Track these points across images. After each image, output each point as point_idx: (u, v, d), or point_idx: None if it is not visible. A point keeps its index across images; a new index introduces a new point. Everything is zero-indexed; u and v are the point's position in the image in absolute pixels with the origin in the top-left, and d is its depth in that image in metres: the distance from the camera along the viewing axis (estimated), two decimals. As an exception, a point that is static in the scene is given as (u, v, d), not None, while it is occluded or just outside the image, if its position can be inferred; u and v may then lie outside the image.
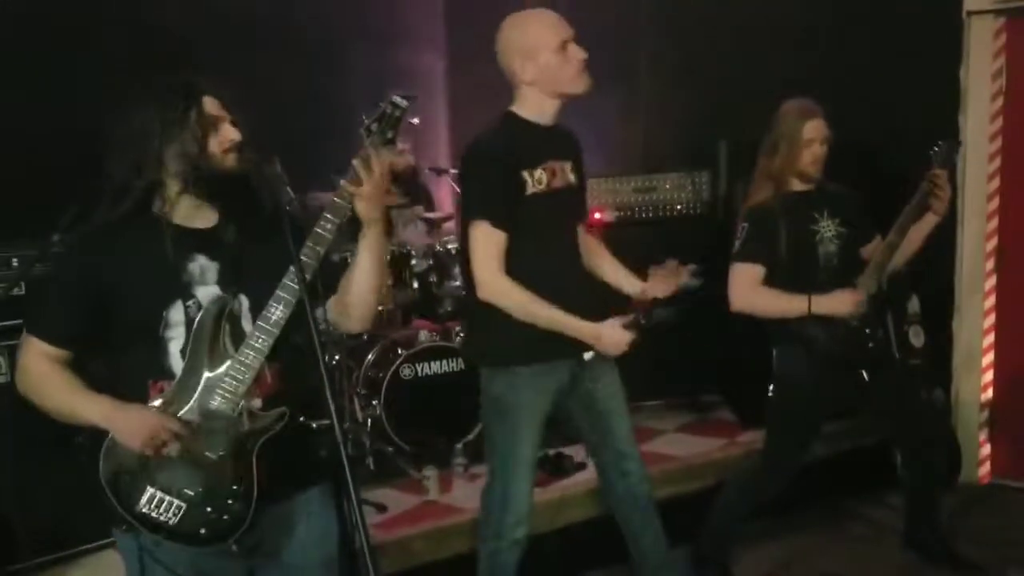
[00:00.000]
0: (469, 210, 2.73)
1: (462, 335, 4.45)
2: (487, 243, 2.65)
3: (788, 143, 3.17)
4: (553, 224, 2.79)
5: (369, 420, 3.97)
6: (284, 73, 4.91)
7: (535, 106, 2.74)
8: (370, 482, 3.79)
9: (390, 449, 3.93)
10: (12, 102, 4.32)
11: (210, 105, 1.90)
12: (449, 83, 6.27)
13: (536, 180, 2.71)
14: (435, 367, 4.05)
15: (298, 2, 5.59)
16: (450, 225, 5.13)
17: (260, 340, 1.87)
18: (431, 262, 4.35)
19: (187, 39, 4.74)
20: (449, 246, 4.37)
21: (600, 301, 2.88)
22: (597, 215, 4.40)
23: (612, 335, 2.71)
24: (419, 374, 4.01)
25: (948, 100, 4.26)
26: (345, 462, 1.71)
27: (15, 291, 2.95)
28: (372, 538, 1.77)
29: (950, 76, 4.27)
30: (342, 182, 1.93)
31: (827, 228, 3.20)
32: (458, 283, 4.28)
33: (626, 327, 2.71)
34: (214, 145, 1.89)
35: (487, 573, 2.91)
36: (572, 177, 2.84)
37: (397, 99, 1.95)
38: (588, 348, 2.76)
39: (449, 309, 4.33)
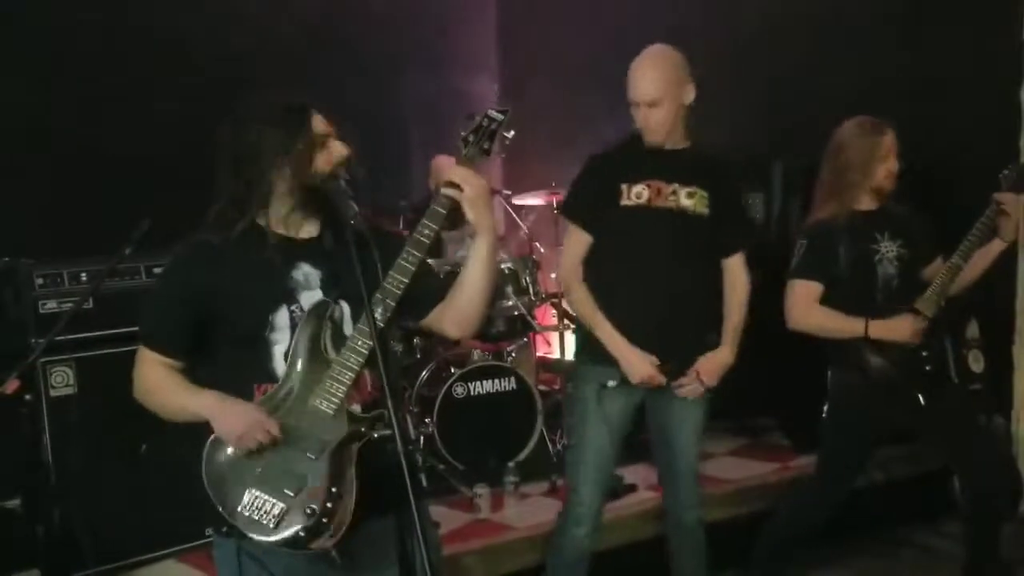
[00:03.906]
0: (563, 208, 3.05)
1: (513, 355, 4.48)
2: (569, 242, 2.96)
3: (863, 159, 3.11)
4: (650, 241, 2.83)
5: (422, 438, 4.00)
6: (339, 96, 5.00)
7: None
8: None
9: (442, 467, 3.96)
10: (80, 122, 4.46)
11: (318, 123, 1.96)
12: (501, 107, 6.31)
13: (634, 194, 2.81)
14: (487, 386, 4.08)
15: (352, 26, 5.71)
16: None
17: (360, 343, 1.90)
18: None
19: (243, 62, 4.88)
20: (502, 265, 4.36)
21: (682, 335, 2.90)
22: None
23: (637, 365, 2.82)
24: (471, 393, 4.05)
25: (1009, 122, 4.21)
26: (407, 479, 1.72)
27: (85, 305, 3.03)
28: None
29: (1010, 98, 4.21)
30: (442, 189, 1.98)
31: (888, 249, 3.15)
32: (511, 303, 4.31)
33: (659, 367, 2.84)
34: (321, 162, 1.94)
35: (554, 555, 3.08)
36: (688, 202, 2.85)
37: (493, 112, 2.03)
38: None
39: (502, 328, 4.34)
